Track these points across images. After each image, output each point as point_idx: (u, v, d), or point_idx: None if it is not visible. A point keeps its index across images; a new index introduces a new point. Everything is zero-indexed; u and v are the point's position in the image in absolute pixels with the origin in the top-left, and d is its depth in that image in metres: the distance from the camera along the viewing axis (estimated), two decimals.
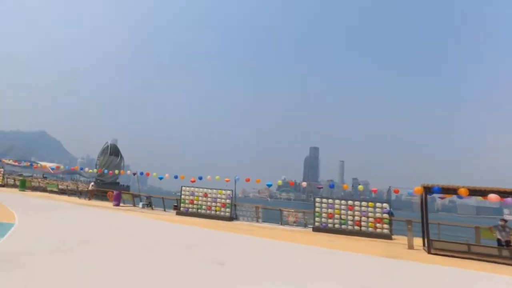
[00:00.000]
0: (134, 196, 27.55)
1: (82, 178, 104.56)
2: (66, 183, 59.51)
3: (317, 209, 17.45)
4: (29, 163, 78.39)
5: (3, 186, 35.41)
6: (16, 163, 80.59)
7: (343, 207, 17.02)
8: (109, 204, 26.53)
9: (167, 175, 27.55)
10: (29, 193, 31.27)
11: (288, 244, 12.55)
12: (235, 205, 20.78)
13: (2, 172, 38.54)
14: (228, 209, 20.24)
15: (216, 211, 20.42)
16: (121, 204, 25.95)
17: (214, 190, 20.99)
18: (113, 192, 29.64)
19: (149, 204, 25.91)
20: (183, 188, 22.05)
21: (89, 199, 29.17)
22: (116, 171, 31.16)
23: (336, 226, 16.83)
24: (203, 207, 20.89)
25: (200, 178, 23.11)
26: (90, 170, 40.57)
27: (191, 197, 21.40)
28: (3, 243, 7.96)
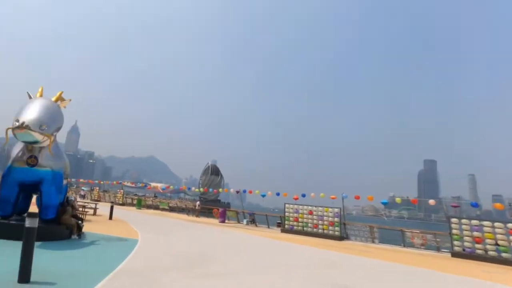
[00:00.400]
0: (238, 213, 27.75)
1: (187, 197, 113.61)
2: (173, 201, 65.03)
3: (454, 231, 14.51)
4: (143, 184, 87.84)
5: (123, 204, 39.66)
6: (133, 185, 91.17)
7: (499, 230, 13.66)
8: (215, 221, 27.18)
9: (269, 192, 27.24)
10: (144, 210, 34.26)
11: (425, 271, 10.30)
12: (344, 224, 18.90)
13: (122, 193, 43.62)
14: (337, 228, 18.51)
15: (323, 229, 18.90)
16: (226, 221, 26.40)
17: (320, 208, 19.56)
18: (218, 209, 30.56)
19: (253, 221, 25.79)
20: (287, 205, 21.22)
21: (197, 216, 30.59)
22: (220, 189, 32.08)
23: (491, 253, 13.59)
24: (309, 225, 19.58)
25: (304, 196, 22.07)
26: (196, 190, 42.96)
27: (295, 215, 20.36)
28: (131, 259, 7.97)
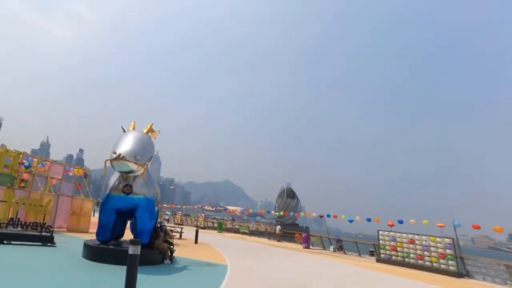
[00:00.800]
0: (322, 238, 25.83)
1: (264, 220, 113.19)
2: (250, 224, 64.91)
3: None
4: (223, 208, 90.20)
5: (204, 228, 40.27)
6: (213, 209, 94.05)
7: None
8: (298, 246, 25.84)
9: (357, 217, 24.89)
10: (225, 234, 34.17)
11: None
12: (461, 258, 15.80)
13: (203, 217, 44.57)
14: (451, 262, 15.52)
15: (432, 262, 16.04)
16: (310, 247, 24.73)
17: (424, 237, 16.80)
18: (300, 234, 28.96)
19: (340, 248, 23.76)
20: (381, 232, 18.90)
21: (278, 240, 29.39)
22: (302, 213, 30.51)
23: None
24: (411, 255, 16.87)
25: (401, 222, 19.36)
26: (276, 213, 41.88)
27: (392, 243, 17.87)
28: (226, 285, 7.68)
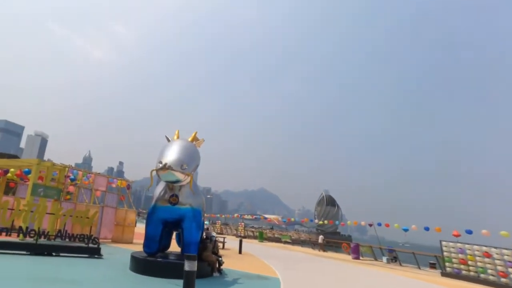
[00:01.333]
0: (373, 248, 24.11)
1: (303, 228, 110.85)
2: (289, 233, 63.47)
3: None
4: (263, 217, 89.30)
5: (244, 237, 39.53)
6: (253, 217, 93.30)
7: None
8: (345, 256, 24.46)
9: (413, 226, 22.98)
10: (267, 243, 33.23)
11: None
12: None
13: (243, 226, 43.84)
14: None
15: None
16: (360, 257, 23.13)
17: (506, 251, 14.64)
18: (348, 244, 27.36)
19: (394, 259, 21.90)
20: (444, 243, 17.13)
21: (323, 250, 27.96)
22: (349, 222, 28.89)
23: None
24: (488, 271, 14.82)
25: (469, 232, 17.42)
26: (321, 222, 40.39)
27: (460, 256, 15.99)
28: None
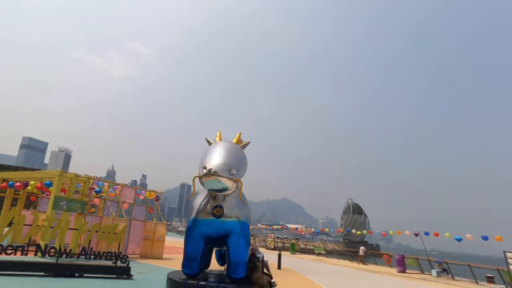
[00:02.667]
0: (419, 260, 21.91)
1: (329, 238, 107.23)
2: (319, 243, 60.97)
3: None
4: (294, 227, 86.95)
5: (274, 249, 37.70)
6: (282, 228, 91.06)
7: None
8: (389, 269, 22.51)
9: (468, 235, 20.69)
10: (299, 255, 31.21)
11: None
12: None
13: (273, 237, 41.86)
14: None
15: None
16: (406, 270, 21.01)
17: None
18: (389, 255, 25.16)
19: (444, 271, 19.79)
20: (509, 254, 14.95)
21: (363, 263, 25.80)
22: (391, 232, 26.61)
23: None
24: None
25: None
26: (359, 232, 37.81)
27: None
28: None
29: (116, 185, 17.30)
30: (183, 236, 9.84)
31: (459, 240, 20.89)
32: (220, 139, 8.10)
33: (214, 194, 7.50)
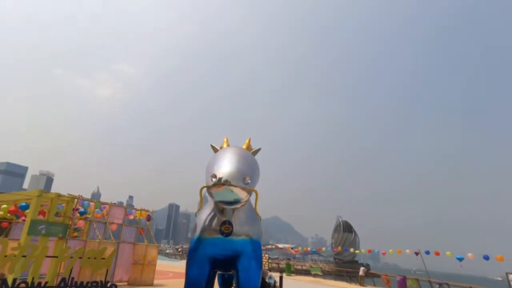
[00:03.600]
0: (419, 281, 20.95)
1: (320, 258, 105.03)
2: (305, 264, 59.46)
3: None
4: (289, 247, 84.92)
5: (269, 270, 36.07)
6: (277, 247, 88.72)
7: None
8: None
9: (469, 254, 20.02)
10: (296, 277, 29.84)
11: None
12: None
13: (267, 257, 40.16)
14: None
15: None
16: None
17: None
18: (387, 276, 24.14)
19: None
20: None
21: (362, 284, 24.63)
22: (391, 251, 25.72)
23: None
24: None
25: None
26: (357, 251, 36.62)
27: None
28: None
29: (104, 204, 15.94)
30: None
31: (460, 259, 20.16)
32: (228, 145, 7.23)
33: (222, 207, 6.55)
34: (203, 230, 6.79)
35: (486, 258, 19.25)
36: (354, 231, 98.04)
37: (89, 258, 8.97)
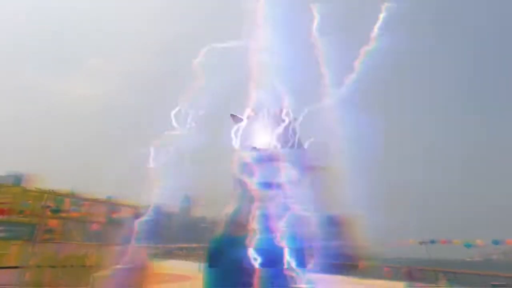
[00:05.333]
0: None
1: None
2: None
3: None
4: None
5: None
6: None
7: None
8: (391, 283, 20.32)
9: (479, 240, 19.08)
10: None
11: None
12: None
13: None
14: None
15: None
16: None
17: None
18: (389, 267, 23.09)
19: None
20: None
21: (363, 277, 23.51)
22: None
23: None
24: None
25: None
26: None
27: None
28: None
29: (82, 200, 13.52)
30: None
31: (468, 246, 19.23)
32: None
33: (260, 196, 4.55)
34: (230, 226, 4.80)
35: (496, 243, 18.33)
36: None
37: (64, 266, 6.79)
